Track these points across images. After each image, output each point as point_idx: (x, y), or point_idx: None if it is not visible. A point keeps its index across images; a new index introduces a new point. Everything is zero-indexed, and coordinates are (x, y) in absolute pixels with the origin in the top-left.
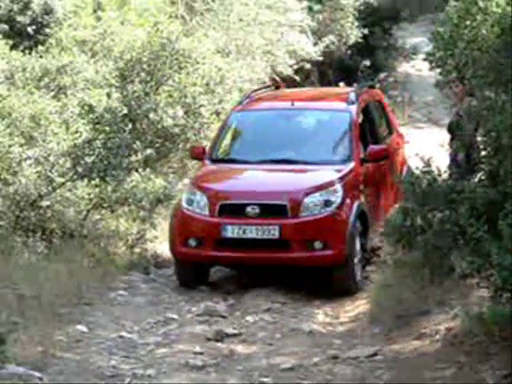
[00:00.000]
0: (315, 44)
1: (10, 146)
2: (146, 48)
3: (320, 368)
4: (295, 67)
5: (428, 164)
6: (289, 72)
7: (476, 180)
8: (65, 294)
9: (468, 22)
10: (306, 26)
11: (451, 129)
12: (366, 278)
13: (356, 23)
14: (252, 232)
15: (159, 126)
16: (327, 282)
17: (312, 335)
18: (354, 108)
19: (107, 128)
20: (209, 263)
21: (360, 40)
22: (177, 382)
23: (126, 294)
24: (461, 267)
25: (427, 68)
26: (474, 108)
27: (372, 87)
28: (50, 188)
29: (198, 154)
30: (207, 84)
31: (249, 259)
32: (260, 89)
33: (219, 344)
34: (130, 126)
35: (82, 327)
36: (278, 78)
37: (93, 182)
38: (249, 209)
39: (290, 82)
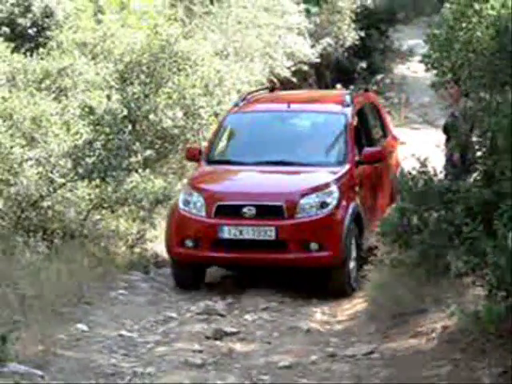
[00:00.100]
0: (313, 46)
1: (11, 147)
2: (145, 50)
3: (318, 366)
4: (293, 69)
5: (424, 164)
6: (286, 74)
7: (471, 180)
8: (65, 293)
9: (463, 24)
10: (304, 28)
11: (447, 129)
12: (364, 277)
13: (353, 25)
14: (248, 233)
15: (159, 128)
16: (323, 282)
17: (310, 333)
18: (349, 110)
19: (107, 129)
20: (205, 264)
21: (357, 42)
22: (176, 379)
23: (126, 293)
24: (456, 266)
25: (423, 70)
26: (470, 109)
27: (367, 90)
28: (50, 188)
29: (193, 155)
30: (206, 86)
31: (245, 260)
32: (256, 91)
33: (218, 342)
34: (130, 127)
35: (82, 326)
36: (275, 80)
37: (93, 183)
38: (245, 210)
39: (287, 84)
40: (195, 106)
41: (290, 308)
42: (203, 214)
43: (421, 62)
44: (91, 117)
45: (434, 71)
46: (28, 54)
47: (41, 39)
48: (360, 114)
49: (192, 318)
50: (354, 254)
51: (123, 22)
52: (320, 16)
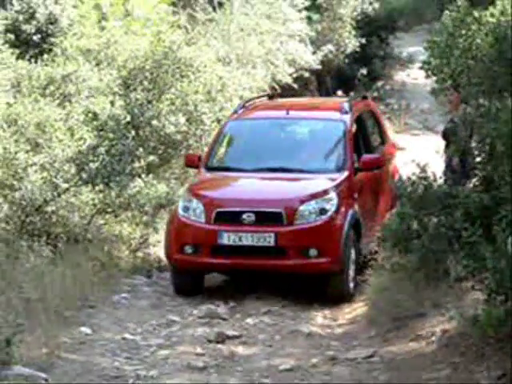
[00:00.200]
0: (314, 53)
1: (16, 153)
2: (148, 57)
3: (318, 369)
4: (294, 76)
5: (424, 170)
6: (288, 80)
7: (471, 185)
8: (69, 296)
9: (463, 32)
10: (305, 35)
11: (446, 135)
12: (364, 281)
13: (354, 33)
14: (248, 239)
15: (162, 133)
16: (322, 288)
17: (311, 337)
18: (347, 118)
19: (111, 135)
20: (205, 270)
21: (357, 49)
22: (179, 382)
23: (129, 296)
24: (456, 270)
25: (423, 76)
26: (469, 115)
27: (365, 97)
28: (55, 193)
29: (192, 162)
30: (208, 92)
31: (244, 266)
32: (255, 98)
33: (220, 346)
34: (133, 132)
35: (86, 329)
36: (277, 87)
37: (97, 188)
38: (245, 216)
39: (289, 90)
40: (198, 112)
41: (291, 312)
42: (203, 220)
43: (421, 68)
44: (95, 122)
45: (434, 78)
46: (32, 60)
47: (45, 46)
48: (358, 121)
49: (194, 321)
50: (352, 260)
51: (127, 29)
52: (321, 23)
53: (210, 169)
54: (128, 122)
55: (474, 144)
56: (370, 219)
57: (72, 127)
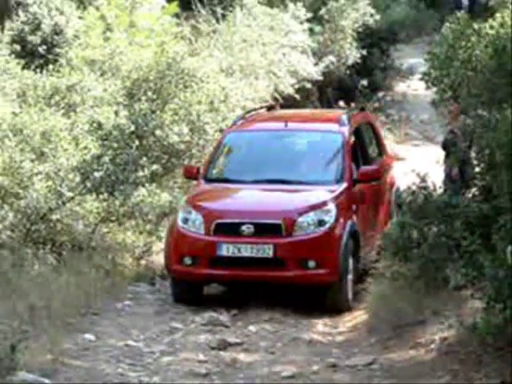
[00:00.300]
0: (316, 64)
1: (21, 162)
2: (152, 67)
3: (319, 376)
4: (296, 86)
5: (424, 180)
6: (290, 91)
7: (470, 195)
8: (74, 304)
9: (463, 43)
10: (307, 46)
11: (446, 146)
12: (364, 289)
13: (355, 44)
14: (247, 250)
15: (165, 143)
16: (321, 299)
17: (312, 344)
18: (346, 129)
19: (115, 144)
20: (204, 281)
21: (358, 60)
22: None
23: (132, 304)
24: (455, 279)
25: (423, 87)
26: (468, 126)
27: (363, 109)
28: (59, 202)
29: (191, 174)
30: (211, 102)
31: (243, 277)
32: (254, 110)
33: (222, 352)
34: (137, 142)
35: (90, 336)
36: (279, 97)
37: (101, 197)
38: (244, 228)
39: (291, 101)
40: (201, 121)
41: (292, 319)
42: (202, 231)
43: (421, 79)
44: (99, 132)
45: (434, 89)
46: (38, 70)
47: (50, 56)
48: (357, 132)
49: (197, 328)
50: (351, 271)
51: (131, 40)
52: (323, 35)
53: (209, 180)
54: (132, 132)
55: (473, 154)
56: (368, 230)
57: (77, 137)
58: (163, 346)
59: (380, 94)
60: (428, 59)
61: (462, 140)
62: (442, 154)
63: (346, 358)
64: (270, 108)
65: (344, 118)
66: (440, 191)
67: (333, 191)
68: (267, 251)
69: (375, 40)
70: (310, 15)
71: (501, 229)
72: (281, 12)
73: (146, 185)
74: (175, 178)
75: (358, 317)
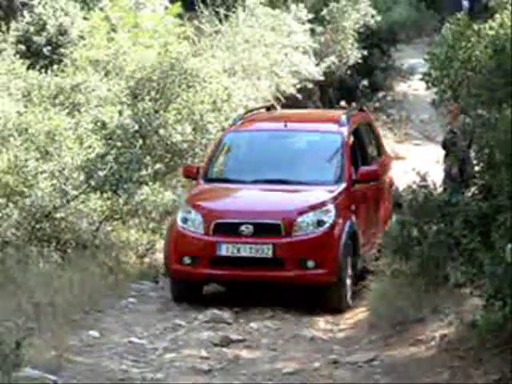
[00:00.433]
0: (317, 64)
1: (26, 160)
2: (156, 68)
3: (321, 372)
4: (298, 86)
5: (424, 178)
6: (292, 91)
7: (470, 194)
8: (78, 301)
9: (463, 44)
10: (309, 47)
11: (446, 145)
12: (365, 286)
13: (356, 45)
14: (246, 250)
15: (168, 142)
16: (319, 299)
17: (313, 341)
18: (345, 130)
19: (119, 143)
20: (203, 281)
21: (359, 61)
22: None
23: (136, 301)
24: (455, 277)
25: (424, 87)
26: (468, 125)
27: (362, 110)
28: (64, 200)
29: (191, 174)
30: (214, 102)
31: (243, 277)
32: (253, 110)
33: (225, 349)
34: (141, 141)
35: (94, 333)
36: (281, 97)
37: (105, 195)
38: (243, 228)
39: (292, 101)
40: (204, 121)
41: (293, 317)
42: (201, 231)
43: (421, 80)
44: (103, 131)
45: (434, 89)
46: (43, 70)
47: (55, 56)
48: (356, 133)
49: (199, 325)
50: (349, 271)
51: (135, 41)
52: (324, 35)
53: (208, 180)
54: (136, 131)
55: (472, 153)
56: (368, 230)
57: (81, 136)
58: (166, 343)
59: (381, 94)
60: (428, 60)
61: (462, 139)
62: (441, 153)
63: (346, 355)
64: (269, 108)
65: (343, 118)
66: (440, 190)
67: (332, 191)
68: (266, 251)
69: (376, 40)
70: (311, 16)
71: (500, 227)
72: (283, 13)
73: (150, 183)
74: (178, 176)
75: (358, 314)
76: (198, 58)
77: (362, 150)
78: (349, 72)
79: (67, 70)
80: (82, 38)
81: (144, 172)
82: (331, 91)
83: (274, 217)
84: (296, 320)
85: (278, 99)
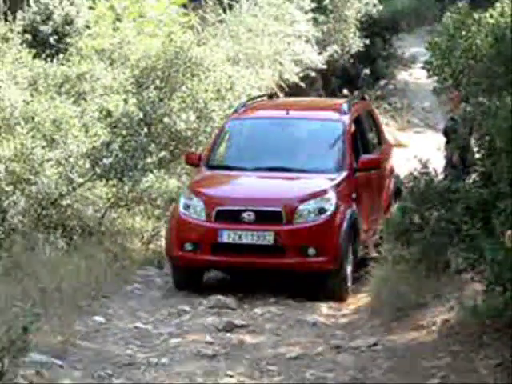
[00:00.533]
0: (320, 53)
1: (32, 148)
2: (160, 56)
3: (323, 357)
4: (301, 75)
5: (425, 166)
6: (295, 79)
7: (470, 181)
8: (84, 287)
9: (463, 33)
10: (311, 36)
11: (447, 133)
12: (367, 272)
13: (358, 34)
14: (247, 237)
15: (173, 130)
16: (319, 286)
17: (316, 326)
18: (346, 118)
19: (124, 131)
20: (204, 267)
21: (361, 49)
22: (189, 369)
23: (141, 287)
24: (456, 263)
25: (425, 76)
26: (469, 113)
27: (363, 98)
28: (70, 188)
29: (193, 161)
30: (218, 90)
31: (244, 264)
32: (255, 98)
33: (229, 334)
34: (146, 129)
35: (100, 318)
36: (284, 85)
37: (110, 182)
38: (244, 215)
39: (295, 89)
40: (207, 109)
41: (297, 302)
42: (203, 218)
43: (423, 68)
44: (109, 119)
45: (436, 77)
46: (49, 59)
47: (61, 46)
48: (357, 121)
49: (204, 311)
50: (350, 258)
51: (139, 30)
52: (327, 24)
53: (210, 167)
54: (140, 119)
55: (473, 141)
56: (369, 217)
57: (87, 124)
58: (171, 328)
59: (382, 83)
60: (429, 48)
61: (463, 127)
62: (442, 140)
63: (349, 340)
64: (271, 96)
65: (345, 106)
66: (441, 177)
67: (333, 179)
68: (268, 238)
69: (378, 29)
70: (314, 5)
71: (500, 213)
72: (286, 2)
73: (155, 171)
74: (183, 164)
75: (361, 300)
76: (202, 47)
77: (363, 138)
78: (351, 61)
79: (73, 59)
80: (87, 27)
81: (149, 160)
82: (333, 79)
83: (275, 204)
84: (299, 306)
85: (281, 87)
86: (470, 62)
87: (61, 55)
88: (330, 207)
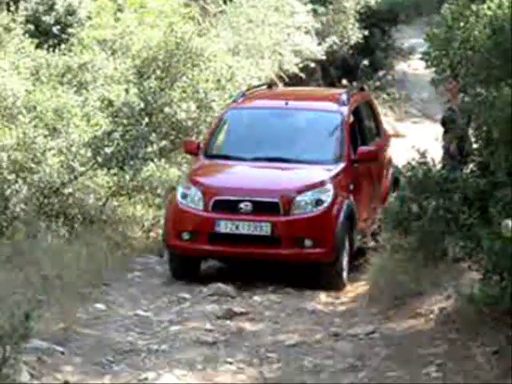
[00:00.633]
0: (319, 44)
1: (35, 137)
2: (161, 47)
3: (322, 344)
4: (300, 65)
5: (423, 155)
6: (294, 70)
7: (468, 170)
8: (85, 274)
9: (461, 24)
10: (311, 27)
11: (445, 123)
12: (365, 261)
13: (357, 25)
14: (244, 228)
15: (173, 120)
16: (315, 277)
17: (315, 314)
18: (345, 109)
19: (125, 121)
20: (201, 257)
21: (360, 40)
22: (189, 356)
23: (142, 275)
24: (453, 251)
25: (423, 67)
26: (467, 104)
27: (362, 89)
28: (71, 176)
29: (191, 149)
30: (218, 80)
31: (241, 254)
32: (255, 87)
33: (228, 322)
34: (147, 119)
35: (101, 306)
36: (284, 76)
37: (112, 171)
38: (242, 205)
39: (295, 79)
40: (208, 99)
41: (296, 290)
42: (201, 207)
43: (421, 59)
44: (110, 109)
45: (434, 68)
46: (51, 49)
47: (63, 36)
48: (356, 112)
49: (204, 298)
50: (347, 250)
51: (141, 21)
52: (326, 16)
53: (209, 156)
54: (142, 109)
55: (471, 131)
56: (366, 208)
57: (88, 113)
58: (171, 316)
59: (381, 73)
60: (427, 39)
61: (461, 117)
62: (440, 130)
63: (347, 328)
64: (270, 85)
65: (343, 97)
66: (439, 167)
67: (331, 171)
68: (265, 229)
69: (376, 21)
70: None
71: (497, 203)
72: None
73: (155, 160)
74: (183, 153)
75: (359, 288)
76: (203, 38)
77: (361, 129)
78: (350, 51)
79: (75, 49)
80: (89, 18)
81: (150, 149)
82: (333, 70)
83: (272, 195)
84: (298, 294)
85: (280, 78)
86: (468, 53)
87: (63, 45)
88: (328, 199)
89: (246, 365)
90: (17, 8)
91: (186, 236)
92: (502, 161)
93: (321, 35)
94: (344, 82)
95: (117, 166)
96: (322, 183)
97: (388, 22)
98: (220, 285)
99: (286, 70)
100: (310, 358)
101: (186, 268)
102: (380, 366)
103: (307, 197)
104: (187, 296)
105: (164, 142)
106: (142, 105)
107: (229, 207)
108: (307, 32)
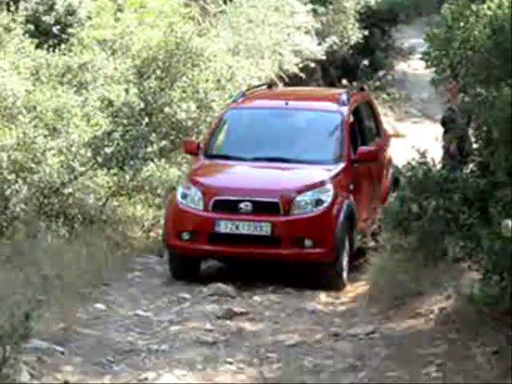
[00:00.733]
0: (319, 44)
1: (34, 137)
2: (161, 47)
3: (322, 344)
4: (300, 65)
5: (423, 155)
6: (294, 70)
7: (468, 170)
8: (85, 274)
9: (461, 24)
10: (311, 27)
11: (445, 123)
12: (365, 261)
13: (357, 25)
14: (244, 228)
15: (173, 120)
16: (315, 277)
17: (315, 314)
18: (345, 109)
19: (125, 121)
20: (201, 257)
21: (360, 40)
22: (189, 356)
23: (142, 275)
24: (453, 251)
25: (423, 67)
26: (467, 104)
27: (362, 89)
28: (71, 176)
29: (191, 149)
30: (218, 80)
31: (241, 254)
32: (255, 87)
33: (228, 322)
34: (147, 119)
35: (101, 305)
36: (284, 76)
37: (112, 171)
38: (242, 205)
39: (295, 79)
40: (208, 99)
41: (296, 290)
42: (201, 207)
43: (421, 59)
44: (110, 109)
45: (434, 68)
46: (51, 49)
47: (63, 36)
48: (356, 112)
49: (204, 299)
50: (346, 250)
51: (141, 21)
52: (326, 16)
53: (209, 156)
54: (142, 109)
55: (471, 131)
56: (366, 208)
57: (88, 113)
58: (171, 316)
59: (381, 73)
60: (427, 39)
61: (461, 117)
62: (440, 130)
63: (347, 328)
64: (270, 85)
65: (343, 97)
66: (439, 167)
67: (331, 171)
68: (265, 229)
69: (376, 21)
70: None
71: (497, 203)
72: None
73: (155, 160)
74: (183, 153)
75: (359, 288)
76: (203, 38)
77: (361, 129)
78: (350, 52)
79: (75, 49)
80: (89, 18)
81: (150, 149)
82: (333, 70)
83: (272, 195)
84: (298, 294)
85: (280, 78)
86: (468, 53)
87: (63, 45)
88: (328, 199)
89: (246, 365)
90: (17, 8)
91: (186, 236)
92: (502, 161)
93: (321, 35)
94: (344, 82)
95: (117, 166)
96: (321, 183)
97: (388, 22)
98: (220, 285)
99: (286, 70)
100: (310, 358)
101: (186, 268)
102: (380, 366)
103: (307, 197)
104: (187, 296)
105: (164, 142)
106: (142, 105)
107: (229, 207)
108: (307, 32)
